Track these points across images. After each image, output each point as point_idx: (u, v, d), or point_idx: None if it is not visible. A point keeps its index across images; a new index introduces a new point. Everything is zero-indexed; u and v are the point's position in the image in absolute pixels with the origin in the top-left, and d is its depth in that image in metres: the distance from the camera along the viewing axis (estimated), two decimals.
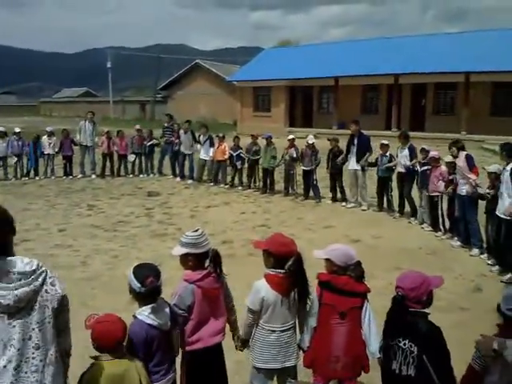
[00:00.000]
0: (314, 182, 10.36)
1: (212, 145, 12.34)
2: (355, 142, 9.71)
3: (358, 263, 2.84)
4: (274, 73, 28.17)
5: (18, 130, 13.64)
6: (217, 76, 38.26)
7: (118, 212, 9.43)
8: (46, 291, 1.96)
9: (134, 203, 10.26)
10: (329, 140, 10.44)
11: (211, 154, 12.26)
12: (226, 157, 12.01)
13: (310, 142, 10.32)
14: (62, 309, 2.03)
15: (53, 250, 6.96)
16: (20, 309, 1.87)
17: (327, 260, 2.88)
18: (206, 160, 12.52)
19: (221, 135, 12.38)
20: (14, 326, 1.86)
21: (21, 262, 1.91)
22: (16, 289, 1.84)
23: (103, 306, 4.78)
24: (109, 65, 49.06)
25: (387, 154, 9.15)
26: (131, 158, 13.77)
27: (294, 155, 10.57)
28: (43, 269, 1.98)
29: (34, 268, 1.93)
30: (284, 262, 2.71)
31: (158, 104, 44.04)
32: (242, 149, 11.89)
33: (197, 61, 41.83)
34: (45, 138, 13.60)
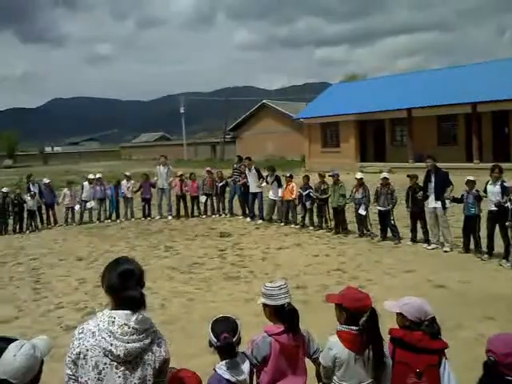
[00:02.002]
0: (392, 222, 9.91)
1: (280, 185, 12.44)
2: (432, 178, 9.16)
3: (433, 319, 2.68)
4: (341, 108, 28.18)
5: (99, 175, 14.70)
6: (283, 114, 38.90)
7: (192, 253, 9.68)
8: (152, 351, 2.03)
9: (208, 244, 10.49)
10: (408, 176, 9.86)
11: (280, 194, 12.35)
12: (294, 196, 12.03)
13: (385, 178, 10.03)
14: (162, 371, 2.10)
15: None
16: (127, 362, 1.96)
17: (399, 314, 2.75)
18: (275, 200, 12.63)
19: (288, 175, 12.45)
20: (120, 377, 1.96)
21: (136, 318, 1.99)
22: (128, 342, 1.94)
23: (180, 350, 4.88)
24: (182, 110, 51.53)
25: (474, 190, 8.54)
26: (202, 199, 14.19)
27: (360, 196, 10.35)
28: (154, 329, 2.08)
29: (147, 327, 2.02)
30: (358, 317, 2.61)
31: (227, 144, 45.33)
32: (311, 187, 11.86)
33: (263, 101, 42.87)
34: (124, 181, 14.48)
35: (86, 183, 14.32)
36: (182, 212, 14.31)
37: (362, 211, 10.30)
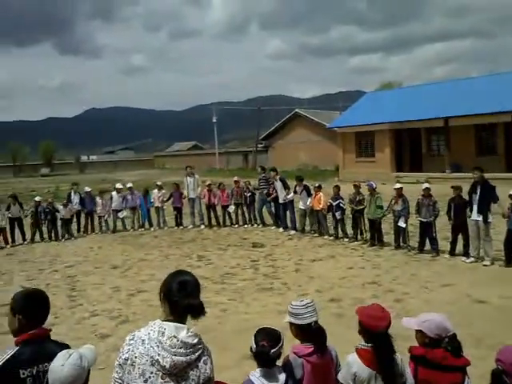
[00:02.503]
0: (434, 235, 9.62)
1: (309, 194, 12.37)
2: (478, 190, 8.84)
3: (454, 336, 2.61)
4: (376, 116, 27.87)
5: (130, 184, 15.06)
6: (316, 123, 38.79)
7: (225, 263, 9.70)
8: (198, 367, 2.05)
9: (240, 254, 10.49)
10: (453, 187, 9.54)
11: (308, 204, 12.27)
12: (322, 206, 11.91)
13: (427, 188, 9.75)
14: None
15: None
16: (172, 374, 1.98)
17: (418, 331, 2.69)
18: (305, 210, 12.55)
19: (317, 185, 12.38)
20: None
21: (186, 332, 2.02)
22: (175, 355, 1.96)
23: (214, 361, 4.86)
24: (214, 119, 52.10)
25: None
26: (231, 209, 14.24)
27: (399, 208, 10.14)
28: (203, 345, 2.09)
29: (195, 342, 2.03)
30: (373, 336, 2.57)
31: (259, 154, 45.49)
32: (342, 198, 11.73)
33: (296, 110, 42.88)
34: (155, 191, 14.73)
35: (114, 193, 14.62)
36: (213, 221, 14.39)
37: (401, 223, 10.07)
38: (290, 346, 2.74)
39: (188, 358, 1.99)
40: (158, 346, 1.96)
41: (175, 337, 1.98)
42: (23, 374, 2.19)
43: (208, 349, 2.15)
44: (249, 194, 14.10)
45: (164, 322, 2.04)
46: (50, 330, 2.37)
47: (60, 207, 13.76)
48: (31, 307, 2.32)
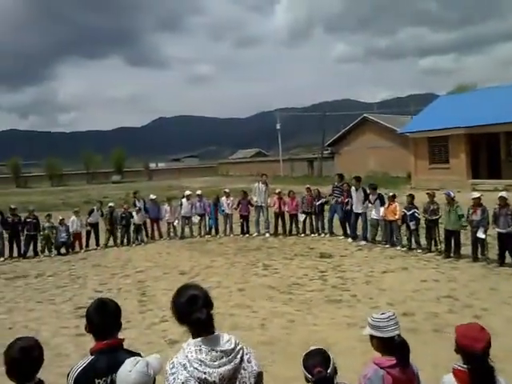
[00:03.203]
0: None
1: (383, 203, 12.07)
2: None
3: None
4: (451, 120, 26.71)
5: (199, 192, 15.50)
6: (386, 128, 37.86)
7: (292, 273, 9.67)
8: (244, 368, 2.07)
9: (307, 264, 10.42)
10: None
11: (381, 214, 11.98)
12: (397, 217, 11.57)
13: (502, 197, 9.27)
14: None
15: (233, 310, 7.40)
16: None
17: None
18: (377, 220, 12.26)
19: (391, 194, 12.07)
20: None
21: (222, 340, 2.04)
22: (220, 367, 1.98)
23: (280, 373, 4.91)
24: (278, 126, 52.33)
25: None
26: (301, 217, 14.17)
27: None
28: (241, 346, 2.10)
29: (232, 346, 2.05)
30: (469, 357, 2.42)
31: (325, 160, 45.08)
32: (416, 207, 11.35)
33: (364, 115, 42.11)
34: (223, 198, 15.04)
35: (184, 200, 15.07)
36: (280, 230, 14.42)
37: (480, 234, 9.59)
38: (371, 357, 2.69)
39: (232, 364, 2.00)
40: (200, 366, 1.97)
41: (213, 349, 1.99)
42: (98, 382, 2.28)
43: (246, 346, 2.15)
44: (318, 203, 13.99)
45: (196, 340, 2.04)
46: (123, 340, 2.45)
47: (134, 213, 14.41)
48: (98, 319, 2.40)
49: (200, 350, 2.00)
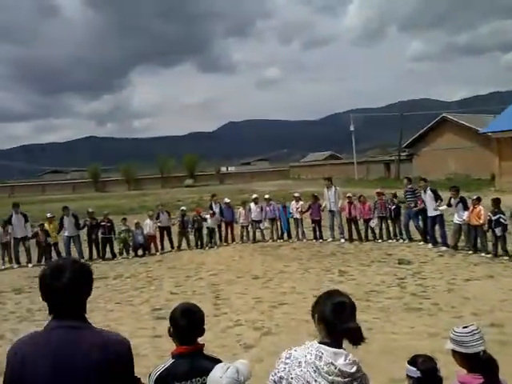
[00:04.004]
0: None
1: (466, 207, 11.52)
2: None
3: None
4: None
5: (267, 196, 15.69)
6: (467, 128, 36.18)
7: (368, 280, 9.48)
8: None
9: (385, 271, 10.17)
10: None
11: (465, 218, 11.43)
12: (482, 221, 10.99)
13: None
14: None
15: (308, 316, 7.32)
16: None
17: None
18: (460, 224, 11.71)
19: (475, 197, 11.49)
20: None
21: (344, 359, 2.02)
22: (332, 383, 1.98)
23: None
24: (351, 128, 51.50)
25: None
26: (372, 223, 13.86)
27: None
28: (361, 373, 2.07)
29: (353, 371, 2.02)
30: None
31: (402, 162, 43.79)
32: (502, 212, 10.72)
33: (443, 114, 40.48)
34: (293, 202, 15.04)
35: (252, 204, 15.25)
36: (355, 235, 14.20)
37: None
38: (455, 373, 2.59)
39: None
40: (314, 371, 1.97)
41: (333, 364, 1.97)
42: None
43: (367, 377, 2.10)
44: (393, 207, 13.63)
45: (321, 346, 2.04)
46: (204, 346, 2.50)
47: (207, 216, 14.81)
48: (181, 323, 2.45)
49: (320, 357, 2.01)
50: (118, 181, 69.29)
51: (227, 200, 15.63)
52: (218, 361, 2.44)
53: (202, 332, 2.51)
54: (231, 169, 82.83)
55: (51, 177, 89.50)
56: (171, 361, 2.40)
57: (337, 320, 2.06)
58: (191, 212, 16.48)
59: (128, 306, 8.76)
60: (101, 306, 8.77)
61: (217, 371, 2.11)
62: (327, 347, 2.03)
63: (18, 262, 13.64)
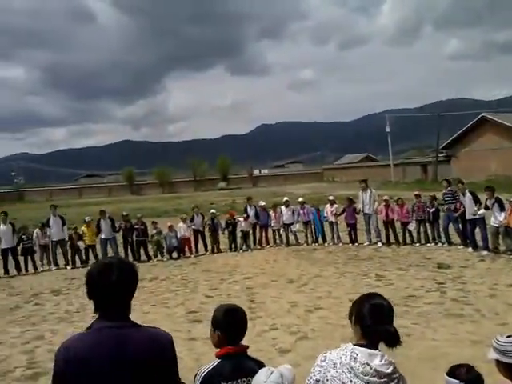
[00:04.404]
0: None
1: (502, 208, 11.18)
2: None
3: None
4: None
5: (300, 199, 15.68)
6: (508, 128, 35.15)
7: (407, 285, 9.31)
8: None
9: (424, 276, 9.96)
10: None
11: (501, 219, 11.09)
12: None
13: None
14: None
15: (344, 321, 7.27)
16: None
17: None
18: (497, 227, 11.37)
19: (511, 199, 11.16)
20: None
21: (379, 359, 2.01)
22: (368, 383, 1.97)
23: None
24: (387, 129, 50.79)
25: None
26: (411, 226, 13.60)
27: None
28: (398, 374, 2.06)
29: (389, 371, 2.01)
30: None
31: (440, 164, 42.89)
32: None
33: (483, 114, 39.46)
34: (327, 206, 14.98)
35: (283, 207, 15.27)
36: (392, 239, 13.97)
37: None
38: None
39: None
40: (349, 372, 1.97)
41: (368, 364, 1.96)
42: None
43: (404, 378, 2.08)
44: (432, 210, 13.34)
45: (356, 347, 2.04)
46: (248, 347, 2.50)
47: (240, 219, 14.88)
48: (230, 324, 2.44)
49: (355, 358, 2.01)
50: (153, 184, 70.50)
51: (262, 203, 15.66)
52: (262, 363, 2.45)
53: (244, 333, 2.52)
54: (264, 171, 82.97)
55: (88, 180, 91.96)
56: (217, 361, 2.40)
57: (374, 321, 2.06)
58: (224, 215, 16.60)
59: (163, 308, 8.87)
60: (136, 308, 8.88)
61: (261, 375, 2.12)
62: (362, 348, 2.03)
63: (56, 264, 14.05)
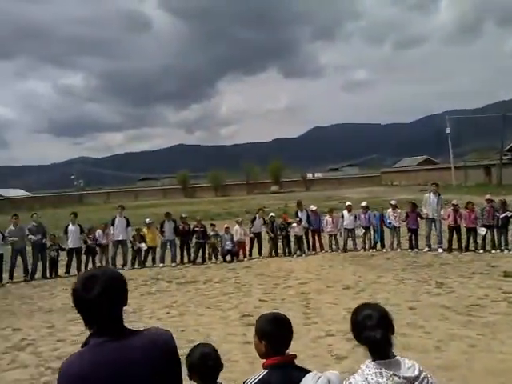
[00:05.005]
0: None
1: None
2: None
3: None
4: None
5: (364, 203, 15.33)
6: None
7: (470, 293, 8.97)
8: None
9: (488, 284, 9.56)
10: None
11: None
12: None
13: None
14: None
15: (404, 329, 7.11)
16: None
17: None
18: None
19: None
20: None
21: (402, 365, 2.00)
22: None
23: None
24: (448, 130, 49.23)
25: None
26: (482, 231, 13.03)
27: None
28: (425, 374, 2.04)
29: (416, 373, 1.99)
30: None
31: (505, 167, 41.08)
32: None
33: None
34: (389, 210, 14.65)
35: (345, 211, 15.03)
36: (455, 245, 13.50)
37: None
38: None
39: None
40: None
41: (395, 374, 1.94)
42: None
43: (432, 377, 2.05)
44: (503, 215, 12.79)
45: (377, 362, 2.00)
46: (295, 357, 2.46)
47: (294, 224, 14.84)
48: (276, 334, 2.40)
49: (380, 373, 1.98)
50: (206, 187, 71.69)
51: (313, 207, 15.55)
52: (309, 372, 2.42)
53: (291, 341, 2.48)
54: (318, 175, 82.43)
55: (143, 183, 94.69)
56: (265, 371, 2.36)
57: (362, 329, 2.09)
58: (277, 219, 16.60)
59: (217, 310, 8.97)
60: (191, 310, 9.08)
61: (307, 381, 2.10)
62: (380, 361, 2.00)
63: (113, 265, 14.53)
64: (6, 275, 13.41)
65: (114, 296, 1.92)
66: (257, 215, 15.26)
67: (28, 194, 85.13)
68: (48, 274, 13.77)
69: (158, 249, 14.79)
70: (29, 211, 29.54)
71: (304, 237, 15.03)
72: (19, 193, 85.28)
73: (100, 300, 1.87)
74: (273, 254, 14.77)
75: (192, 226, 14.93)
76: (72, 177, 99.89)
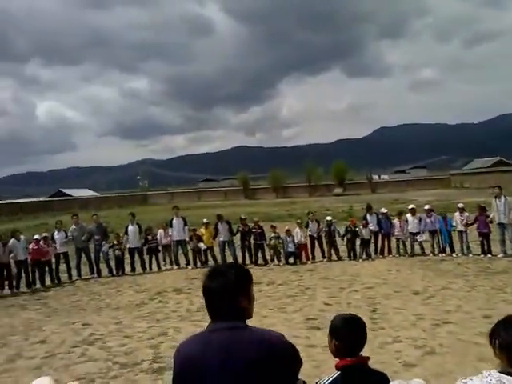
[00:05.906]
0: None
1: None
2: None
3: None
4: None
5: (427, 206, 15.06)
6: None
7: None
8: None
9: None
10: None
11: None
12: None
13: None
14: None
15: (478, 339, 6.84)
16: None
17: None
18: None
19: None
20: None
21: None
22: None
23: None
24: None
25: None
26: None
27: None
28: None
29: None
30: None
31: None
32: None
33: None
34: (456, 214, 14.20)
35: (408, 215, 14.73)
36: None
37: None
38: None
39: None
40: None
41: None
42: None
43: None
44: None
45: (503, 375, 1.94)
46: (369, 359, 2.47)
47: (360, 227, 14.64)
48: (349, 334, 2.43)
49: (502, 382, 1.95)
50: (267, 189, 72.00)
51: (384, 210, 15.26)
52: (384, 375, 2.40)
53: (365, 343, 2.49)
54: (384, 177, 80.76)
55: (205, 184, 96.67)
56: (337, 373, 2.39)
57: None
58: (341, 222, 16.43)
59: (281, 313, 9.01)
60: (255, 311, 9.02)
61: None
62: (510, 377, 1.92)
63: (177, 264, 14.99)
64: (73, 272, 14.21)
65: (230, 290, 2.07)
66: (309, 220, 15.16)
67: (95, 194, 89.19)
68: (114, 272, 14.44)
69: (216, 248, 15.09)
70: (96, 211, 31.02)
71: (372, 240, 14.79)
72: (87, 193, 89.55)
73: (215, 292, 2.07)
74: (332, 256, 14.62)
75: (250, 227, 15.10)
76: (138, 177, 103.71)
